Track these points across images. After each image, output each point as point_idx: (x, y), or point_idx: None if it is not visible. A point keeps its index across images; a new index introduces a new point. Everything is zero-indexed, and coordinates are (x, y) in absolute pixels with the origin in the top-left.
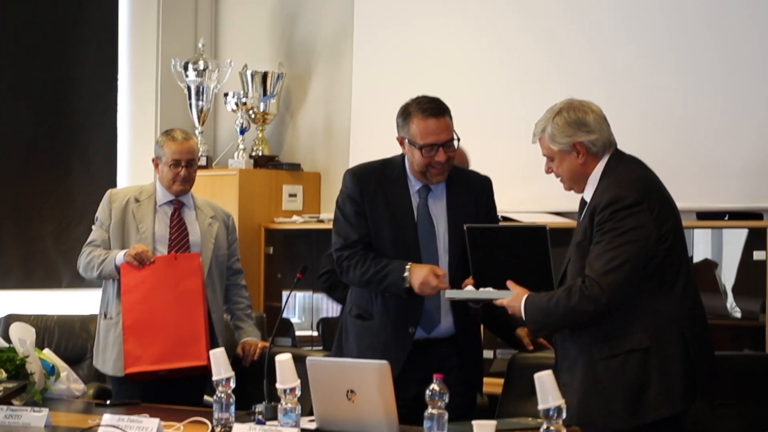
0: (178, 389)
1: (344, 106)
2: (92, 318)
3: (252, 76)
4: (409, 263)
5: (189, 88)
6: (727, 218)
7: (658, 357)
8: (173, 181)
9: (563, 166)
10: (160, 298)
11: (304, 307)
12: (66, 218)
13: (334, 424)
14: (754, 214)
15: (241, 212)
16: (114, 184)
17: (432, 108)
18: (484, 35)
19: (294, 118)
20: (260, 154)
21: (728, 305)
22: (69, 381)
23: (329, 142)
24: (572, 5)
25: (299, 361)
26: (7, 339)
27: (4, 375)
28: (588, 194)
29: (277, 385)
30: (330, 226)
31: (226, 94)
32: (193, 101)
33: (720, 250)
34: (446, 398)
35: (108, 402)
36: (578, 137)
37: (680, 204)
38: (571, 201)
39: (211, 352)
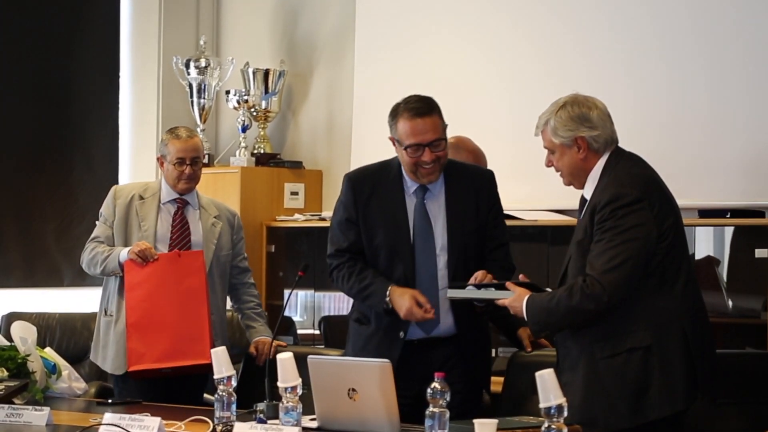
0: (178, 387)
1: (346, 103)
2: (94, 316)
3: (254, 73)
4: (391, 286)
5: (191, 86)
6: (728, 216)
7: (659, 355)
8: (178, 179)
9: (563, 160)
10: (163, 296)
11: (306, 306)
12: (68, 216)
13: (335, 423)
14: (756, 212)
15: (243, 210)
16: (116, 182)
17: (418, 107)
18: (485, 33)
19: (296, 116)
20: (262, 151)
21: (730, 303)
22: (70, 380)
23: (331, 140)
24: (573, 5)
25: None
26: (9, 337)
27: (6, 374)
28: (588, 192)
29: (279, 384)
30: None
31: (227, 92)
32: (195, 99)
33: (722, 248)
34: (447, 397)
35: (109, 401)
36: (580, 132)
37: (682, 202)
38: (571, 199)
39: (213, 351)
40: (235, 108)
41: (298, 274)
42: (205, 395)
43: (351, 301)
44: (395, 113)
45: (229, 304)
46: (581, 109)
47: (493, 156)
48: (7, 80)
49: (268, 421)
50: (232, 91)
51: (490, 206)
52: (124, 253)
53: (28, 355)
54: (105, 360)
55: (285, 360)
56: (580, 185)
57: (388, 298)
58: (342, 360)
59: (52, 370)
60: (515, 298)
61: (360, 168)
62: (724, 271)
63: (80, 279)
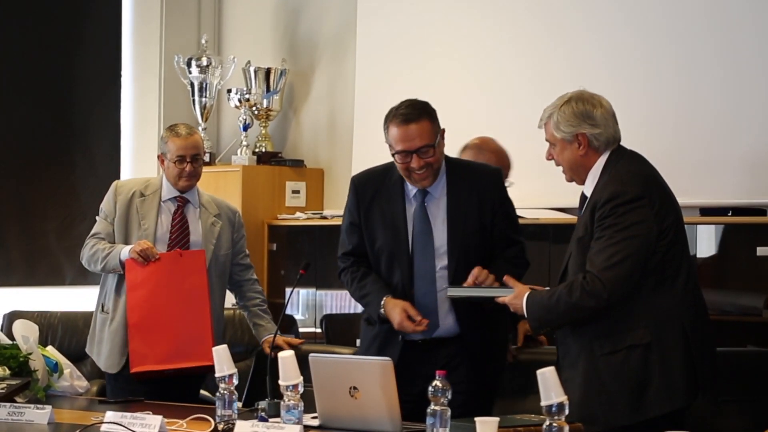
0: (173, 386)
1: (347, 102)
2: None
3: (255, 72)
4: (385, 297)
5: (192, 85)
6: (730, 214)
7: (659, 353)
8: (179, 177)
9: (563, 155)
10: (165, 296)
11: (308, 304)
12: (69, 215)
13: (337, 421)
14: (757, 210)
15: (245, 209)
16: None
17: (406, 114)
18: (487, 31)
19: (297, 115)
20: (263, 150)
21: (731, 301)
22: (72, 378)
23: (332, 139)
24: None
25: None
26: (11, 336)
27: (8, 372)
28: (588, 189)
29: (280, 382)
30: (333, 222)
31: (229, 91)
32: (197, 98)
33: (723, 246)
34: (449, 394)
35: (111, 399)
36: (582, 129)
37: (684, 200)
38: (573, 197)
39: (214, 349)
40: (236, 107)
41: (300, 272)
42: (202, 391)
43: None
44: (387, 119)
45: (231, 301)
46: (585, 106)
47: None
48: (8, 79)
49: (270, 420)
50: (234, 90)
51: (495, 205)
52: (125, 252)
53: (30, 354)
54: (99, 356)
55: (286, 358)
56: (580, 181)
57: (381, 309)
58: (343, 358)
59: (54, 368)
60: (515, 296)
61: (365, 171)
62: (725, 269)
63: (82, 277)
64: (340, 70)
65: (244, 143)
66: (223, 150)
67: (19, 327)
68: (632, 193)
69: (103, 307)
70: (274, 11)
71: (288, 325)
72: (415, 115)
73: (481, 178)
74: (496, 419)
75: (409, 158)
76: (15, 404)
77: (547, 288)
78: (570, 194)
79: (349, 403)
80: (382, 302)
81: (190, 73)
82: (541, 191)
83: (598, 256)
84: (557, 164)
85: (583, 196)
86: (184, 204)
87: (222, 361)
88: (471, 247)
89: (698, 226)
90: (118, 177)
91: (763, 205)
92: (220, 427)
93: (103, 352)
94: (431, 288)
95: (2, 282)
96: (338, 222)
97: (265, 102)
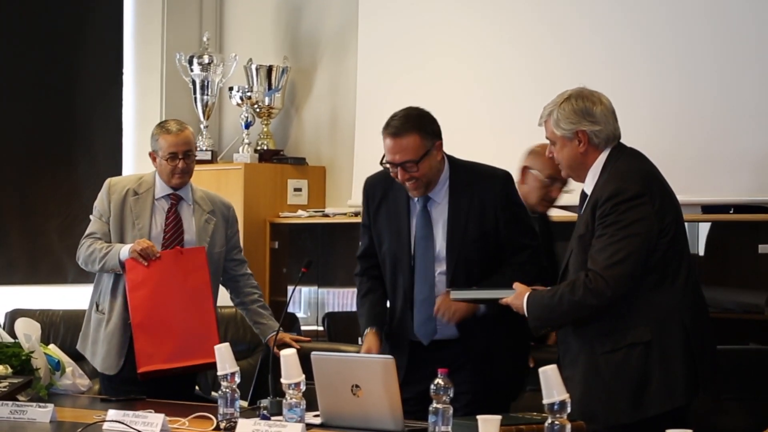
0: (166, 386)
1: (349, 99)
2: None
3: (257, 70)
4: (368, 330)
5: (194, 82)
6: (732, 212)
7: (659, 351)
8: (172, 174)
9: (563, 152)
10: (168, 294)
11: (310, 302)
12: (71, 213)
13: (339, 419)
14: (759, 208)
15: (246, 207)
16: None
17: (392, 126)
18: (488, 29)
19: (299, 112)
20: (265, 148)
21: (733, 299)
22: (74, 376)
23: (334, 136)
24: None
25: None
26: (13, 334)
27: (10, 370)
28: (588, 187)
29: (282, 380)
30: (335, 220)
31: (231, 88)
32: (198, 95)
33: (725, 243)
34: (451, 393)
35: (113, 398)
36: (582, 126)
37: (685, 197)
38: (574, 195)
39: (216, 347)
40: (238, 104)
41: (302, 270)
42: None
43: (354, 297)
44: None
45: (224, 300)
46: (585, 103)
47: (497, 151)
48: (10, 77)
49: (272, 418)
50: (236, 88)
51: (498, 210)
52: (124, 251)
53: (32, 352)
54: (94, 356)
55: (288, 356)
56: (579, 179)
57: (361, 338)
58: (345, 356)
59: (56, 366)
60: (516, 296)
61: (377, 173)
62: (727, 267)
63: (84, 276)
64: (342, 67)
65: (246, 141)
66: (225, 148)
67: (21, 325)
68: (633, 190)
69: (97, 306)
70: (276, 9)
71: (290, 323)
72: (402, 129)
73: (484, 183)
74: (498, 417)
75: (395, 169)
76: (17, 403)
77: (548, 287)
78: (570, 192)
79: (351, 401)
80: (365, 333)
81: (191, 70)
82: None
83: (600, 254)
84: (557, 162)
85: (583, 194)
86: (178, 201)
87: (224, 359)
88: (472, 253)
89: (700, 223)
90: (119, 175)
91: (765, 202)
92: (222, 425)
93: (99, 352)
94: (430, 293)
95: (4, 280)
96: (340, 220)
97: (266, 100)
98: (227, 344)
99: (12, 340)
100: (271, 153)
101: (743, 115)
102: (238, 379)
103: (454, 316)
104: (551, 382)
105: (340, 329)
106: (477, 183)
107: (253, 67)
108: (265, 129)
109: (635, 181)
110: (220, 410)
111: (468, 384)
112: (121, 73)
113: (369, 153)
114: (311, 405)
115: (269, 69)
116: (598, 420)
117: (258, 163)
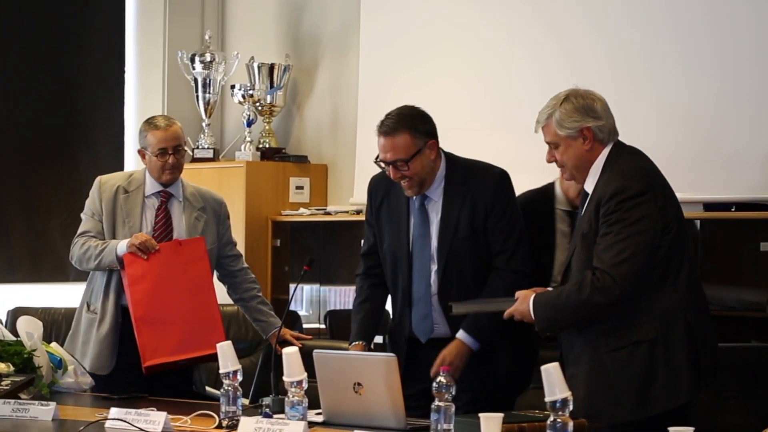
0: (161, 385)
1: (351, 97)
2: None
3: (259, 68)
4: (356, 343)
5: (196, 81)
6: (733, 209)
7: (664, 348)
8: (162, 170)
9: (569, 153)
10: (169, 287)
11: (312, 300)
12: (73, 211)
13: (341, 417)
14: (761, 206)
15: (248, 205)
16: None
17: (385, 125)
18: (490, 28)
19: (301, 110)
20: (267, 146)
21: (735, 297)
22: (76, 375)
23: (336, 134)
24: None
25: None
26: (15, 333)
27: (12, 369)
28: (590, 185)
29: (285, 378)
30: (337, 218)
31: (232, 87)
32: (200, 93)
33: (727, 241)
34: (453, 390)
35: (115, 396)
36: (587, 122)
37: (687, 195)
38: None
39: (218, 345)
40: (240, 102)
41: (304, 268)
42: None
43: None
44: None
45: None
46: (585, 100)
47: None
48: (12, 75)
49: (274, 416)
50: (237, 86)
51: (488, 210)
52: (122, 246)
53: (34, 350)
54: (84, 357)
55: (290, 354)
56: (583, 179)
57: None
58: (347, 354)
59: (58, 365)
60: (520, 302)
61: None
62: (728, 264)
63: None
64: (344, 65)
65: (248, 139)
66: (227, 146)
67: (24, 323)
68: (636, 188)
69: (89, 306)
70: (278, 7)
71: (292, 321)
72: (393, 128)
73: (477, 180)
74: (500, 415)
75: (388, 168)
76: (19, 401)
77: (549, 288)
78: None
79: (353, 399)
80: (352, 344)
81: (193, 69)
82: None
83: (607, 252)
84: (560, 165)
85: (584, 193)
86: (168, 199)
87: (226, 357)
88: (462, 251)
89: (702, 221)
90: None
91: (767, 200)
92: (225, 423)
93: (89, 353)
94: (427, 290)
95: (6, 278)
96: (342, 218)
97: (268, 98)
98: (229, 342)
99: (14, 339)
100: (272, 151)
101: (745, 112)
102: (240, 377)
103: (455, 373)
104: (553, 380)
105: (342, 327)
106: (471, 181)
107: (255, 65)
108: (267, 127)
109: (638, 179)
110: (222, 408)
111: (467, 383)
112: (123, 71)
113: (371, 151)
114: (313, 403)
115: (271, 67)
116: (602, 418)
117: (260, 161)
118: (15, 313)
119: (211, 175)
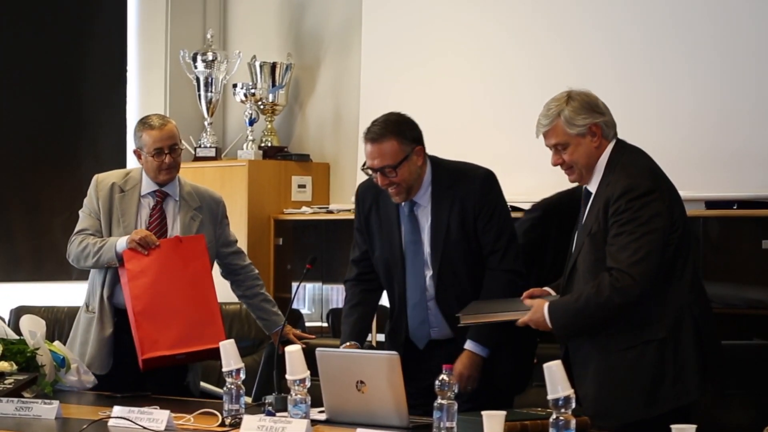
0: (155, 384)
1: (353, 96)
2: None
3: (261, 67)
4: (348, 343)
5: (198, 80)
6: (736, 207)
7: (673, 347)
8: (159, 170)
9: (579, 151)
10: (169, 282)
11: (314, 298)
12: (76, 210)
13: (344, 415)
14: (763, 203)
15: (251, 203)
16: None
17: (371, 132)
18: (492, 27)
19: (303, 109)
20: (269, 145)
21: (737, 294)
22: (79, 373)
23: (338, 133)
24: None
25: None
26: (18, 331)
27: (15, 367)
28: (593, 184)
29: (287, 377)
30: (339, 216)
31: (234, 85)
32: (202, 92)
33: (729, 239)
34: (455, 388)
35: (118, 394)
36: (595, 119)
37: (689, 193)
38: None
39: (221, 344)
40: (242, 101)
41: (306, 266)
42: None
43: None
44: None
45: (229, 296)
46: (588, 97)
47: (495, 150)
48: (14, 74)
49: (277, 414)
50: (239, 85)
51: (477, 211)
52: (121, 243)
53: (37, 349)
54: (83, 356)
55: (293, 353)
56: (588, 180)
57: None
58: (350, 352)
59: (61, 363)
60: (534, 311)
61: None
62: (731, 262)
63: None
64: (346, 64)
65: (250, 138)
66: (229, 145)
67: (26, 322)
68: (645, 186)
69: (87, 306)
70: (280, 6)
71: (294, 319)
72: (380, 134)
73: (463, 183)
74: (503, 413)
75: (375, 175)
76: (22, 399)
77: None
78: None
79: (356, 397)
80: (343, 345)
81: (195, 68)
82: (543, 186)
83: (622, 252)
84: (568, 167)
85: (586, 191)
86: (164, 198)
87: (229, 355)
88: (455, 255)
89: (704, 219)
90: None
91: None
92: (227, 421)
93: (88, 352)
94: (422, 297)
95: (9, 277)
96: (344, 216)
97: (270, 96)
98: (232, 341)
99: (17, 337)
100: (275, 150)
101: (747, 110)
102: (243, 376)
103: (473, 384)
104: (556, 378)
105: None
106: (457, 184)
107: (257, 64)
108: (269, 126)
109: (645, 177)
110: (225, 406)
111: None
112: (125, 71)
113: None
114: (316, 401)
115: (273, 66)
116: (612, 417)
117: (262, 160)
118: (18, 312)
119: (213, 174)
